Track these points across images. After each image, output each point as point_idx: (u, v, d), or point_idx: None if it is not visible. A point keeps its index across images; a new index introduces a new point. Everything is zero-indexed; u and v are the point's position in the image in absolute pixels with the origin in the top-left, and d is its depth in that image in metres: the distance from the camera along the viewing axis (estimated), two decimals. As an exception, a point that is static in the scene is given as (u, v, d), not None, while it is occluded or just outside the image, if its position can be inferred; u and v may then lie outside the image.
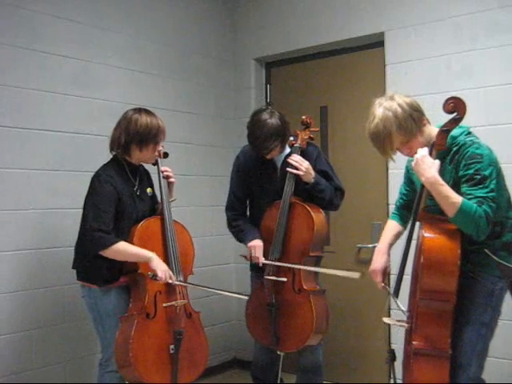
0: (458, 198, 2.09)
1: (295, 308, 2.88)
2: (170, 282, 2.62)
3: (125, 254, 2.59)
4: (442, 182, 2.12)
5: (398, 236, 2.58)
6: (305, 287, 2.85)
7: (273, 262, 2.90)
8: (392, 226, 2.59)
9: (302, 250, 2.89)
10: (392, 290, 2.35)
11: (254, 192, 3.09)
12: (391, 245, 2.56)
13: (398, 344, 3.10)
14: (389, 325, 3.29)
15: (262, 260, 2.92)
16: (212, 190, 4.15)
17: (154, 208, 2.86)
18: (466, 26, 3.29)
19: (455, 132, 2.24)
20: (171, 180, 2.87)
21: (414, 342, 2.16)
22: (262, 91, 4.34)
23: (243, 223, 3.07)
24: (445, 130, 2.19)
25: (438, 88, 3.32)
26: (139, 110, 2.73)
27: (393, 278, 2.41)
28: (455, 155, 2.23)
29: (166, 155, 2.86)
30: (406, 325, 2.28)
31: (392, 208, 2.72)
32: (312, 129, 3.06)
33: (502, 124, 3.17)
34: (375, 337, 3.69)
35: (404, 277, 2.33)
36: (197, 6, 4.14)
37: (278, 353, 2.93)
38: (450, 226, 2.14)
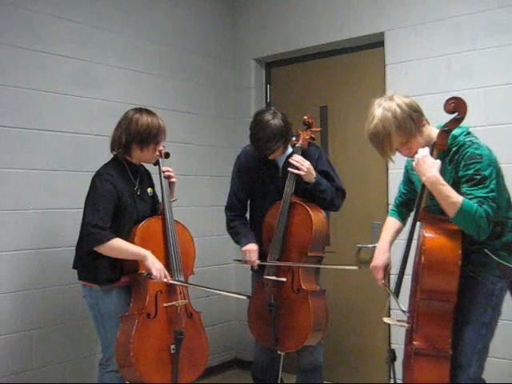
0: (458, 198, 2.09)
1: (294, 308, 2.88)
2: (165, 280, 2.61)
3: (120, 251, 2.59)
4: (443, 182, 2.13)
5: (398, 233, 2.59)
6: (303, 287, 2.85)
7: (268, 263, 2.91)
8: (392, 223, 2.60)
9: (301, 250, 2.89)
10: (392, 290, 2.35)
11: (255, 192, 3.09)
12: (392, 242, 2.56)
13: (398, 344, 3.10)
14: (389, 325, 3.29)
15: (257, 263, 2.94)
16: (212, 190, 4.15)
17: (154, 208, 2.86)
18: (466, 26, 3.29)
19: (455, 132, 2.24)
20: (172, 180, 2.87)
21: (414, 342, 2.16)
22: (262, 91, 4.35)
23: (240, 225, 3.07)
24: (446, 130, 2.19)
25: (438, 88, 3.32)
26: (140, 110, 2.73)
27: (393, 278, 2.40)
28: (455, 155, 2.23)
29: (167, 155, 2.87)
30: (407, 325, 2.28)
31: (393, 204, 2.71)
32: (314, 129, 3.06)
33: (502, 124, 3.17)
34: (375, 337, 3.69)
35: (404, 277, 2.33)
36: (197, 5, 4.14)
37: (279, 353, 2.93)
38: (450, 226, 2.15)
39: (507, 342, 2.99)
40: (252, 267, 3.11)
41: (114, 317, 2.64)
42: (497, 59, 3.19)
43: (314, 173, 2.92)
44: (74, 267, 2.74)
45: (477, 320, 2.19)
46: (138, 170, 2.80)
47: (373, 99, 2.32)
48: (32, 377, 3.09)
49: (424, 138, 2.26)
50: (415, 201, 2.46)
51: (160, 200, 2.87)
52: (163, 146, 2.81)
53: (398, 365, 2.39)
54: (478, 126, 2.88)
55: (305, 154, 2.99)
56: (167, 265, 2.69)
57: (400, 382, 2.39)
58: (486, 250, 2.11)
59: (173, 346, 2.63)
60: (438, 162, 2.16)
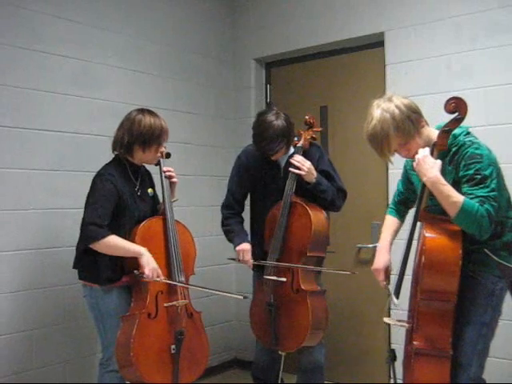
0: (459, 198, 2.09)
1: (293, 308, 2.88)
2: (158, 280, 2.60)
3: (116, 248, 2.58)
4: (444, 182, 2.13)
5: (397, 232, 2.60)
6: (303, 287, 2.85)
7: (262, 263, 2.92)
8: (390, 222, 2.60)
9: (301, 250, 2.89)
10: (392, 290, 2.35)
11: (257, 192, 3.09)
12: (392, 242, 2.56)
13: (398, 344, 3.10)
14: (389, 325, 3.29)
15: (251, 262, 2.95)
16: (212, 190, 4.15)
17: (155, 208, 2.86)
18: (466, 26, 3.29)
19: (454, 132, 2.24)
20: (174, 180, 2.87)
21: (414, 342, 2.16)
22: (262, 91, 4.35)
23: (234, 223, 3.07)
24: (446, 130, 2.19)
25: (438, 88, 3.32)
26: (142, 111, 2.72)
27: (393, 278, 2.40)
28: (455, 156, 2.23)
29: (168, 155, 2.87)
30: (407, 325, 2.28)
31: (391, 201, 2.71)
32: (315, 129, 3.07)
33: (502, 124, 3.17)
34: (375, 337, 3.69)
35: (405, 277, 2.32)
36: (197, 5, 4.14)
37: (280, 353, 2.93)
38: (451, 227, 2.15)
39: (507, 342, 2.99)
40: (253, 267, 3.11)
41: (115, 317, 2.64)
42: (497, 59, 3.19)
43: (314, 173, 2.92)
44: (75, 267, 2.74)
45: (477, 320, 2.20)
46: (138, 170, 2.80)
47: (372, 100, 2.32)
48: (32, 377, 3.09)
49: (423, 139, 2.26)
50: (414, 200, 2.47)
51: (161, 200, 2.87)
52: (164, 147, 2.81)
53: (399, 365, 2.39)
54: (477, 126, 2.88)
55: (306, 154, 2.99)
56: (168, 265, 2.69)
57: (400, 381, 2.39)
58: (485, 250, 2.12)
59: (173, 346, 2.63)
60: (439, 162, 2.16)
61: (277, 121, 2.85)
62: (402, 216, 2.61)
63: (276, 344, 2.91)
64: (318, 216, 2.91)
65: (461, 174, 2.18)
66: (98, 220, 2.55)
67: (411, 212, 2.46)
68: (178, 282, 2.70)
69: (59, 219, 3.22)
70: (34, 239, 3.13)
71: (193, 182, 3.99)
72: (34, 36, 3.15)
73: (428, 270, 2.11)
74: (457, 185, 2.16)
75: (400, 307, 2.27)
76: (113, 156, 2.78)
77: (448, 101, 2.19)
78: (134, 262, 2.63)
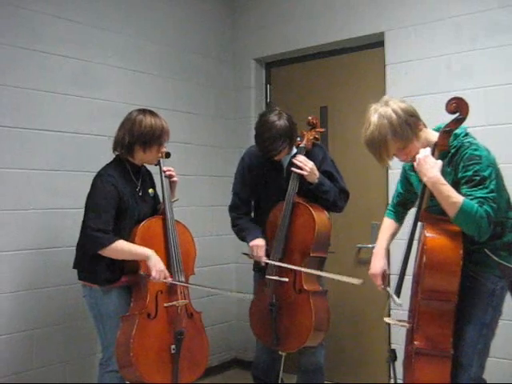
0: (459, 198, 2.09)
1: (295, 308, 2.88)
2: (165, 281, 2.62)
3: (123, 253, 2.59)
4: (444, 182, 2.13)
5: (394, 235, 2.59)
6: (305, 287, 2.85)
7: (275, 262, 2.90)
8: (388, 225, 2.59)
9: (304, 251, 2.89)
10: (392, 291, 2.35)
11: (260, 192, 3.09)
12: (388, 246, 2.56)
13: (398, 344, 3.10)
14: (389, 325, 3.29)
15: (265, 259, 2.92)
16: (212, 190, 4.15)
17: (155, 208, 2.86)
18: (466, 26, 3.29)
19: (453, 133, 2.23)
20: (174, 179, 2.87)
21: (415, 342, 2.16)
22: (262, 91, 4.35)
23: (246, 222, 3.07)
24: (447, 131, 2.19)
25: (438, 88, 3.32)
26: (143, 111, 2.72)
27: (393, 278, 2.40)
28: (453, 157, 2.22)
29: (168, 155, 2.86)
30: (407, 324, 2.28)
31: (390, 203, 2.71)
32: (318, 129, 3.07)
33: (502, 124, 3.17)
34: (376, 337, 3.69)
35: (405, 277, 2.32)
36: (197, 5, 4.14)
37: (280, 353, 2.93)
38: (452, 227, 2.14)
39: (508, 342, 2.99)
40: (254, 267, 3.11)
41: (114, 317, 2.64)
42: (497, 59, 3.19)
43: (317, 173, 2.91)
44: (75, 267, 2.74)
45: (477, 320, 2.20)
46: (139, 170, 2.79)
47: (369, 104, 2.30)
48: (32, 377, 3.09)
49: (421, 142, 2.25)
50: (413, 201, 2.47)
51: (161, 200, 2.87)
52: (164, 146, 2.81)
53: (399, 365, 2.39)
54: (477, 126, 2.89)
55: (308, 154, 2.98)
56: (168, 265, 2.68)
57: (400, 382, 2.39)
58: (486, 250, 2.12)
59: (173, 346, 2.63)
60: (440, 162, 2.16)
61: (279, 121, 2.84)
62: (400, 218, 2.60)
63: (277, 344, 2.91)
64: (321, 216, 2.91)
65: (460, 175, 2.18)
66: (103, 226, 2.55)
67: (412, 212, 2.46)
68: (181, 282, 2.70)
69: (59, 219, 3.22)
70: (34, 239, 3.13)
71: (193, 182, 3.98)
72: (33, 36, 3.15)
73: (429, 269, 2.11)
74: (456, 186, 2.16)
75: (400, 307, 2.26)
76: (113, 156, 2.78)
77: (449, 101, 2.19)
78: (133, 263, 2.64)
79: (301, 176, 2.91)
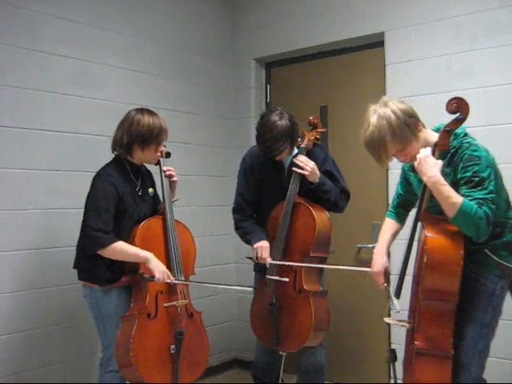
0: (459, 199, 2.09)
1: (295, 308, 2.88)
2: (169, 281, 2.62)
3: (123, 254, 2.59)
4: (444, 182, 2.12)
5: (395, 235, 2.58)
6: (305, 288, 2.85)
7: (279, 262, 2.90)
8: (389, 225, 2.59)
9: (304, 251, 2.89)
10: (393, 291, 2.34)
11: (261, 193, 3.08)
12: (389, 245, 2.56)
13: (398, 344, 3.10)
14: (389, 325, 3.29)
15: (269, 260, 2.91)
16: (212, 190, 4.15)
17: (155, 208, 2.86)
18: (466, 26, 3.29)
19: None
20: (174, 179, 2.87)
21: (416, 342, 2.16)
22: (262, 91, 4.34)
23: (250, 224, 3.06)
24: (448, 130, 2.18)
25: (438, 88, 3.32)
26: (142, 111, 2.72)
27: (393, 278, 2.40)
28: (453, 158, 2.22)
29: (168, 155, 2.87)
30: (408, 325, 2.28)
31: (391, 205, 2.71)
32: (319, 129, 3.07)
33: (502, 124, 3.17)
34: (376, 337, 3.69)
35: (405, 277, 2.32)
36: (197, 5, 4.14)
37: (280, 353, 2.93)
38: (452, 227, 2.14)
39: (508, 342, 2.99)
40: (255, 268, 3.10)
41: (115, 317, 2.64)
42: (497, 59, 3.19)
43: (318, 173, 2.91)
44: (75, 267, 2.74)
45: (478, 320, 2.20)
46: (139, 170, 2.79)
47: (368, 104, 2.29)
48: (32, 377, 3.09)
49: (420, 142, 2.24)
50: (413, 202, 2.47)
51: (161, 200, 2.87)
52: (164, 146, 2.81)
53: (399, 365, 2.39)
54: (477, 126, 2.89)
55: (310, 154, 2.98)
56: (168, 265, 2.68)
57: (400, 382, 2.39)
58: (486, 250, 2.12)
59: (173, 346, 2.63)
60: (440, 162, 2.16)
61: (281, 121, 2.84)
62: (401, 219, 2.59)
63: (277, 344, 2.91)
64: (321, 217, 2.91)
65: (459, 176, 2.18)
66: (103, 226, 2.55)
67: (412, 213, 2.46)
68: (186, 280, 2.70)
69: (59, 219, 3.22)
70: (34, 239, 3.13)
71: (193, 182, 3.98)
72: (33, 36, 3.15)
73: (430, 269, 2.10)
74: (455, 187, 2.15)
75: (400, 307, 2.26)
76: (113, 156, 2.78)
77: (450, 101, 2.18)
78: (133, 263, 2.63)
79: (302, 176, 2.91)
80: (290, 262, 2.88)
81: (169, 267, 2.68)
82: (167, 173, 2.84)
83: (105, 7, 3.53)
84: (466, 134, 2.25)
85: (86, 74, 3.39)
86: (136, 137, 2.66)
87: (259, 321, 3.02)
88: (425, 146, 2.23)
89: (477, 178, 2.12)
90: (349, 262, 3.77)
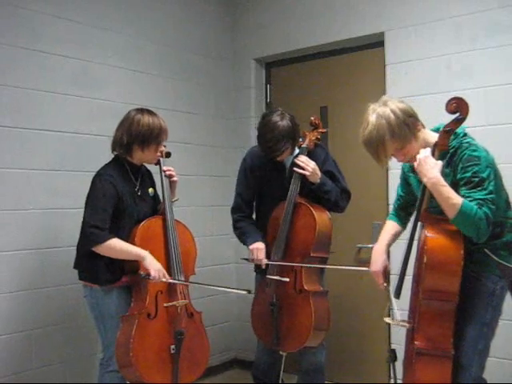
0: (458, 199, 2.09)
1: (295, 308, 2.88)
2: (164, 280, 2.61)
3: (118, 251, 2.59)
4: (444, 183, 2.12)
5: (396, 236, 2.57)
6: (306, 288, 2.85)
7: (275, 262, 2.90)
8: (390, 227, 2.58)
9: (304, 251, 2.89)
10: (392, 291, 2.34)
11: (262, 193, 3.09)
12: (389, 245, 2.55)
13: (398, 344, 3.10)
14: (389, 325, 3.29)
15: (265, 261, 2.91)
16: (212, 190, 4.15)
17: (155, 208, 2.86)
18: (466, 26, 3.29)
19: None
20: (174, 179, 2.87)
21: (416, 342, 2.16)
22: (262, 91, 4.35)
23: (247, 225, 3.07)
24: (447, 131, 2.18)
25: (438, 88, 3.32)
26: (141, 111, 2.72)
27: (393, 278, 2.40)
28: (452, 158, 2.22)
29: (168, 155, 2.87)
30: (408, 325, 2.28)
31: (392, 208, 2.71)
32: (320, 130, 3.07)
33: (502, 124, 3.17)
34: (376, 337, 3.69)
35: (405, 277, 2.32)
36: (197, 5, 4.14)
37: (281, 353, 2.93)
38: (452, 227, 2.14)
39: (508, 342, 2.99)
40: (255, 268, 3.11)
41: (115, 317, 2.64)
42: (497, 59, 3.19)
43: (319, 173, 2.92)
44: (75, 267, 2.74)
45: (478, 320, 2.20)
46: (139, 170, 2.79)
47: (368, 104, 2.29)
48: (32, 377, 3.09)
49: (419, 142, 2.24)
50: (414, 204, 2.46)
51: (161, 200, 2.87)
52: (164, 146, 2.81)
53: (399, 365, 2.39)
54: (477, 126, 2.89)
55: (311, 154, 2.98)
56: (168, 265, 2.69)
57: (400, 382, 2.39)
58: (486, 250, 2.12)
59: (173, 346, 2.63)
60: (440, 162, 2.15)
61: (282, 121, 2.84)
62: (403, 222, 2.58)
63: (278, 344, 2.91)
64: (322, 217, 2.91)
65: (458, 176, 2.18)
66: (99, 223, 2.55)
67: (411, 216, 2.46)
68: (182, 281, 2.70)
69: (59, 219, 3.22)
70: (33, 239, 3.13)
71: (193, 182, 3.98)
72: (33, 36, 3.15)
73: (430, 269, 2.10)
74: (455, 187, 2.15)
75: (400, 307, 2.26)
76: (113, 156, 2.78)
77: (449, 101, 2.18)
78: (133, 263, 2.63)
79: (303, 176, 2.91)
80: (291, 262, 2.88)
81: (169, 267, 2.68)
82: (167, 173, 2.84)
83: (105, 7, 3.53)
84: (465, 134, 2.25)
85: (86, 74, 3.39)
86: (136, 137, 2.66)
87: (260, 321, 3.02)
88: (424, 146, 2.23)
89: (476, 179, 2.12)
90: (349, 262, 3.77)
